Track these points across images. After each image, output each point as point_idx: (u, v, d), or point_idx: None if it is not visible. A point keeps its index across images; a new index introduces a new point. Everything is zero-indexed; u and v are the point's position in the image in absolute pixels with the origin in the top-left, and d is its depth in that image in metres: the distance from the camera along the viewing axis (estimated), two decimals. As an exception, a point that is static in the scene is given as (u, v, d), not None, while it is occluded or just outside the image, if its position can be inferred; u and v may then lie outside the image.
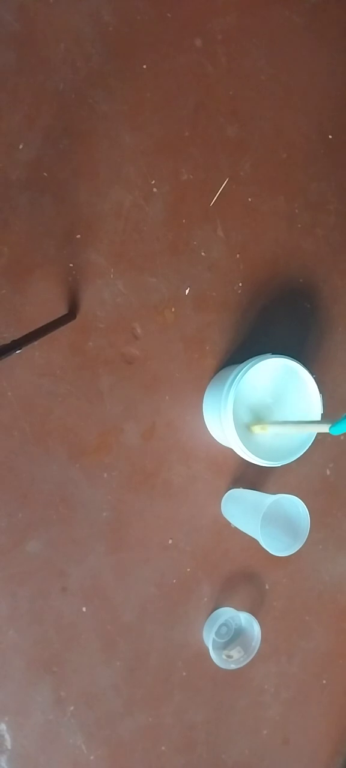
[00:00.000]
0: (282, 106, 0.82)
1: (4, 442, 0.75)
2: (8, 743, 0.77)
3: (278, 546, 0.72)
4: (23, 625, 0.76)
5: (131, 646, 0.80)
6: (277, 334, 0.82)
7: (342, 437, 0.84)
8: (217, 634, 0.81)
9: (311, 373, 0.67)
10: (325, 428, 0.57)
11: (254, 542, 0.71)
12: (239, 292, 0.81)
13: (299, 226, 0.82)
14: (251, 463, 0.67)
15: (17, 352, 0.64)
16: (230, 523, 0.80)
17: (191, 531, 0.80)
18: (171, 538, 0.80)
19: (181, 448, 0.79)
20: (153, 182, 0.78)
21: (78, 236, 0.76)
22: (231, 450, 0.71)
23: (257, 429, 0.67)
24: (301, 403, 0.68)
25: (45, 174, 0.75)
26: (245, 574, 0.82)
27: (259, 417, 0.69)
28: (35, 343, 0.70)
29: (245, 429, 0.68)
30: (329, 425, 0.56)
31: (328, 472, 0.84)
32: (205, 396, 0.80)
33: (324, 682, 0.86)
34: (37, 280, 0.75)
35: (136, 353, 0.78)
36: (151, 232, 0.78)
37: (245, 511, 0.76)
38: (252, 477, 0.81)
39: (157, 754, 0.82)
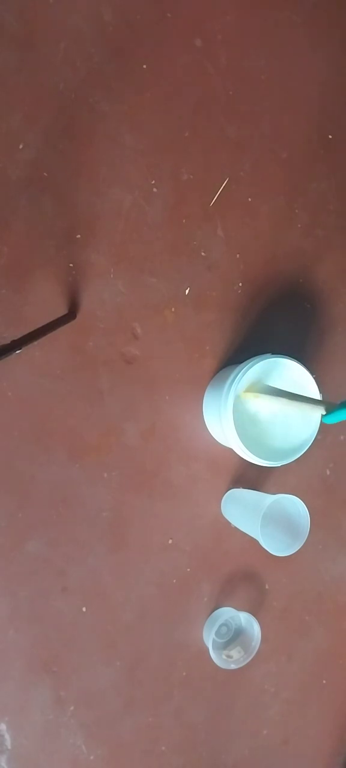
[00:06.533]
0: (282, 106, 0.82)
1: (4, 442, 0.75)
2: (8, 743, 0.77)
3: (278, 546, 0.72)
4: (23, 625, 0.76)
5: (131, 646, 0.80)
6: (277, 334, 0.82)
7: (342, 437, 0.84)
8: (217, 634, 0.81)
9: (311, 373, 0.67)
10: (318, 409, 0.57)
11: (254, 542, 0.71)
12: (239, 292, 0.81)
13: (299, 226, 0.82)
14: (251, 463, 0.67)
15: (17, 352, 0.64)
16: (230, 523, 0.80)
17: (191, 531, 0.80)
18: (171, 538, 0.80)
19: (181, 448, 0.79)
20: (153, 182, 0.78)
21: (78, 236, 0.76)
22: (231, 450, 0.71)
23: (249, 396, 0.66)
24: (301, 403, 0.68)
25: (45, 174, 0.75)
26: (245, 574, 0.82)
27: (258, 416, 0.69)
28: (35, 343, 0.70)
29: (242, 417, 0.66)
30: (324, 407, 0.56)
31: (328, 472, 0.84)
32: (205, 396, 0.80)
33: (324, 682, 0.86)
34: (37, 280, 0.75)
35: (136, 353, 0.78)
36: (151, 232, 0.78)
37: (245, 511, 0.76)
38: (252, 477, 0.81)
39: (157, 754, 0.82)
